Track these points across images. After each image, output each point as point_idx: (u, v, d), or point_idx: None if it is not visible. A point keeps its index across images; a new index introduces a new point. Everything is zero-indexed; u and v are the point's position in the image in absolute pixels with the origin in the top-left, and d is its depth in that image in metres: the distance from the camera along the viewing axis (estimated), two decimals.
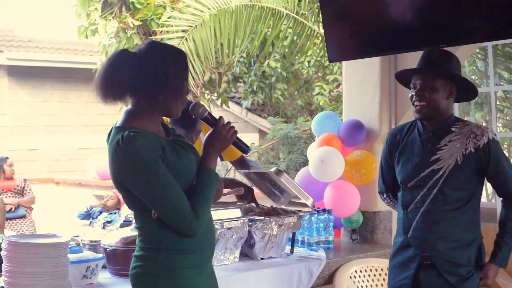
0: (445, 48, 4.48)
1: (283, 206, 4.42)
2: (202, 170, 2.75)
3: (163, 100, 2.68)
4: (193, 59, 7.80)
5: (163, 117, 2.82)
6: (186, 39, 7.66)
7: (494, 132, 3.57)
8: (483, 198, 8.68)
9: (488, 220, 5.05)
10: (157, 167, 2.58)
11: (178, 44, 7.61)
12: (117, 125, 2.72)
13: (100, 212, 8.78)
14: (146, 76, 2.65)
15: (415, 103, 3.56)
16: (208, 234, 2.80)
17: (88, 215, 8.96)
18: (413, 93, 3.58)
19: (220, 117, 2.85)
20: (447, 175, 3.53)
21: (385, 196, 4.03)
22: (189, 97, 7.65)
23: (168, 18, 8.89)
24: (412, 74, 3.64)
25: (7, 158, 9.56)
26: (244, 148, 2.96)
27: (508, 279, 4.79)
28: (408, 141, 3.73)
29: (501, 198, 3.65)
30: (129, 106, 2.75)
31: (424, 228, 3.59)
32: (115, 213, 8.60)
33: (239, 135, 2.93)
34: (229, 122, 2.83)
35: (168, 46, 2.77)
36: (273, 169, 4.21)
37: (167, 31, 8.88)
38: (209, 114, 2.89)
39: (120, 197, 8.62)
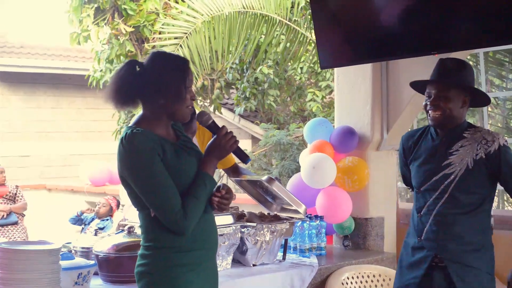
0: (436, 55, 4.51)
1: (275, 213, 4.43)
2: (199, 174, 2.91)
3: (164, 104, 2.88)
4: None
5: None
6: (181, 46, 7.65)
7: (505, 138, 3.63)
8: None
9: (502, 228, 5.03)
10: (152, 164, 2.77)
11: (173, 51, 7.61)
12: (128, 125, 2.93)
13: (93, 219, 8.75)
14: (148, 83, 2.87)
15: (430, 112, 3.64)
16: (205, 234, 2.94)
17: (79, 220, 8.92)
18: (428, 102, 3.65)
19: (223, 126, 3.01)
20: (458, 180, 3.59)
21: (408, 187, 4.06)
22: None
23: (162, 25, 8.87)
24: (427, 83, 3.71)
25: None
26: (243, 158, 3.07)
27: (499, 284, 4.80)
28: (421, 146, 3.80)
29: None
30: (141, 111, 2.97)
31: (437, 230, 3.64)
32: (107, 219, 8.58)
33: None
34: (230, 132, 3.00)
35: (170, 55, 2.97)
36: (264, 178, 4.20)
37: (159, 38, 8.87)
38: (213, 122, 3.05)
39: (113, 204, 8.59)
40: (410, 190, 4.06)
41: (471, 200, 3.59)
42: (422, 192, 3.72)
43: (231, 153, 3.03)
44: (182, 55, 7.55)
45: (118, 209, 8.70)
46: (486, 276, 3.62)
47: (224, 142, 2.96)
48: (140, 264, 2.88)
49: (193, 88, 10.95)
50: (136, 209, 2.93)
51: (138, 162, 2.78)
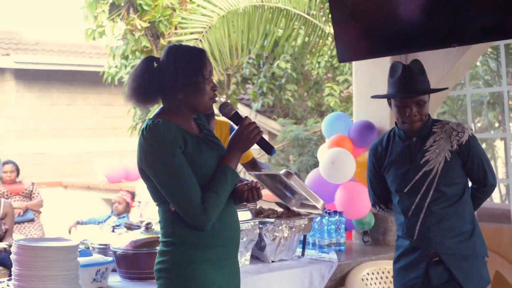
0: (456, 48, 4.45)
1: (294, 208, 4.38)
2: (220, 167, 2.84)
3: (184, 99, 2.84)
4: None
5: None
6: (200, 41, 7.60)
7: (471, 128, 3.76)
8: (497, 199, 8.63)
9: (501, 221, 4.99)
10: (173, 155, 2.72)
11: None
12: (149, 118, 2.88)
13: (109, 216, 8.73)
14: (165, 79, 2.83)
15: (413, 121, 3.66)
16: (227, 230, 2.87)
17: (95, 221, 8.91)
18: (408, 113, 3.64)
19: (246, 117, 2.94)
20: (440, 174, 3.64)
21: (377, 208, 4.08)
22: None
23: (181, 19, 8.83)
24: (404, 98, 3.68)
25: (6, 163, 9.39)
26: (268, 149, 2.96)
27: None
28: (392, 150, 3.82)
29: (473, 185, 3.80)
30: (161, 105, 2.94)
31: (429, 228, 3.66)
32: (124, 217, 8.57)
33: None
34: (253, 123, 2.91)
35: (185, 48, 2.91)
36: (282, 171, 4.16)
37: (175, 33, 8.83)
38: (236, 113, 2.96)
39: (128, 199, 8.56)
40: (378, 208, 4.04)
41: (455, 191, 3.66)
42: (406, 193, 3.73)
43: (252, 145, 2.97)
44: None
45: (133, 201, 8.68)
46: (481, 260, 3.69)
47: (247, 133, 2.88)
48: (159, 261, 2.83)
49: None
50: (155, 203, 2.88)
51: (159, 154, 2.73)
